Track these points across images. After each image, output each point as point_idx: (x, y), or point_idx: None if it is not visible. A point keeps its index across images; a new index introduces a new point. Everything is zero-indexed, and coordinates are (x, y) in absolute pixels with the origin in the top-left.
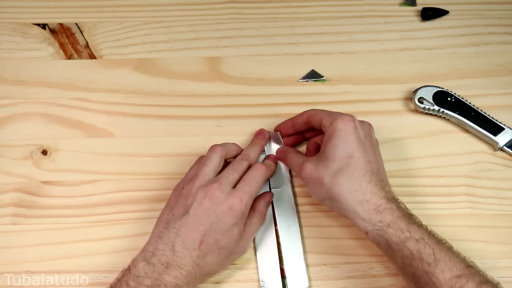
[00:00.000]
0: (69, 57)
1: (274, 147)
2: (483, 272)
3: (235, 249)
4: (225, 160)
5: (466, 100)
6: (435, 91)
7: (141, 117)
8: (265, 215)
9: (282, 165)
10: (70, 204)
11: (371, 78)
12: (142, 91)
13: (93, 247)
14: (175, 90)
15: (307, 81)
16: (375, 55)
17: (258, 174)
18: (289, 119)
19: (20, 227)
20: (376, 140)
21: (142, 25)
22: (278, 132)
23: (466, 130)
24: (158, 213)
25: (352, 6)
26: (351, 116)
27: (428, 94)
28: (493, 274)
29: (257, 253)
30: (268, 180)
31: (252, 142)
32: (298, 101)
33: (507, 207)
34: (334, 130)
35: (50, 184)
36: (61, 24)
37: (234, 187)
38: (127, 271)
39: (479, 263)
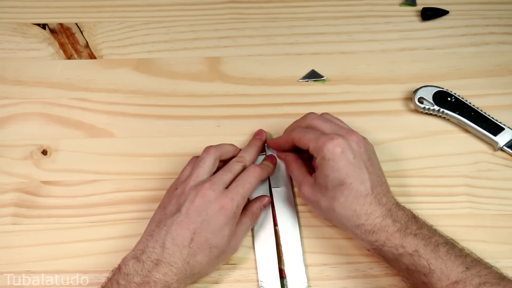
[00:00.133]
0: (69, 57)
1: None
2: (488, 268)
3: (226, 248)
4: (223, 162)
5: (466, 100)
6: (435, 91)
7: (141, 117)
8: (257, 217)
9: (282, 165)
10: (70, 204)
11: (371, 78)
12: (142, 91)
13: (93, 247)
14: (175, 90)
15: (307, 81)
16: (375, 55)
17: (251, 175)
18: (276, 139)
19: (20, 227)
20: (371, 146)
21: (142, 25)
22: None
23: (466, 130)
24: None
25: (352, 6)
26: (336, 140)
27: (428, 94)
28: None
29: (256, 253)
30: (268, 179)
31: (249, 144)
32: (298, 101)
33: (507, 207)
34: (322, 160)
35: (50, 184)
36: (61, 24)
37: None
38: (118, 270)
39: None
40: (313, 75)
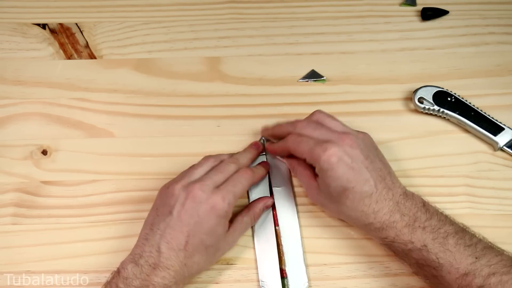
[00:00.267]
0: (69, 57)
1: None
2: (499, 256)
3: (222, 245)
4: None
5: (466, 100)
6: (435, 91)
7: (141, 117)
8: (258, 217)
9: (282, 165)
10: (70, 204)
11: (371, 78)
12: (142, 91)
13: (93, 247)
14: (175, 90)
15: (307, 81)
16: (375, 55)
17: (243, 176)
18: (274, 146)
19: (20, 227)
20: (367, 138)
21: (142, 25)
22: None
23: (466, 130)
24: None
25: (352, 6)
26: (330, 150)
27: (428, 94)
28: None
29: (257, 253)
30: (269, 179)
31: (245, 149)
32: (298, 101)
33: (507, 207)
34: (321, 171)
35: (50, 184)
36: (61, 24)
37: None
38: (117, 273)
39: None
40: (313, 75)
